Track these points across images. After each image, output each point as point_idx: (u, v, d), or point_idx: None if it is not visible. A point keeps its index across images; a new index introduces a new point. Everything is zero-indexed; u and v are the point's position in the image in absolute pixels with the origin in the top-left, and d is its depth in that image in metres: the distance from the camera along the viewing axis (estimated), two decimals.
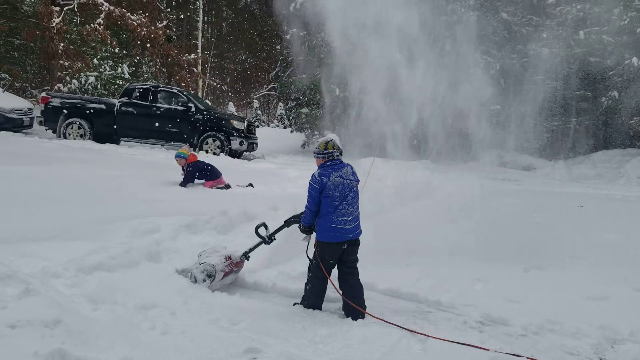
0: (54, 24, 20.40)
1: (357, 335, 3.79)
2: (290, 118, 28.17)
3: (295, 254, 5.10)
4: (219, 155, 15.02)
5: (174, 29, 32.55)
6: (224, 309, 4.12)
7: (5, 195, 6.85)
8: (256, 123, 20.77)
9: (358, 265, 4.52)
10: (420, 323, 4.11)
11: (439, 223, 8.53)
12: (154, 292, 4.06)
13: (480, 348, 3.62)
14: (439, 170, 16.78)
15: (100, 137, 15.54)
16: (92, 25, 21.24)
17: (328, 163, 4.32)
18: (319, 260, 4.27)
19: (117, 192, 8.07)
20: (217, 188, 9.29)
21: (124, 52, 26.35)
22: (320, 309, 4.31)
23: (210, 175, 9.34)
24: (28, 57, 27.69)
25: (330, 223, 4.20)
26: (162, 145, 16.18)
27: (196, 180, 9.26)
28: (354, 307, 4.19)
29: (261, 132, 19.80)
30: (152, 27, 23.73)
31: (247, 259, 4.86)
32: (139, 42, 25.69)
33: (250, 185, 9.83)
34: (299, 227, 4.47)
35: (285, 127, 32.52)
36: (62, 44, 21.20)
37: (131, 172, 9.95)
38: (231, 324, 3.84)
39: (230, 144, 15.45)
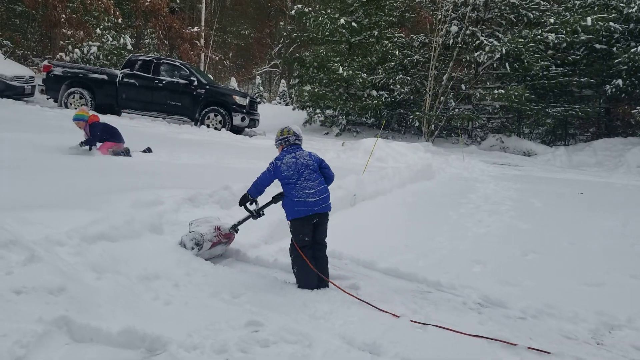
0: None
1: (358, 312, 3.82)
2: (293, 95, 28.09)
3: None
4: (220, 130, 14.99)
5: (178, 1, 32.21)
6: (225, 282, 4.15)
7: (7, 162, 6.85)
8: (258, 99, 20.67)
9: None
10: (420, 303, 4.14)
11: (437, 205, 8.58)
12: (156, 264, 4.08)
13: (474, 336, 3.62)
14: (440, 153, 16.81)
15: (102, 107, 15.49)
16: None
17: (285, 149, 4.50)
18: (294, 240, 4.33)
19: (118, 163, 8.07)
20: (113, 153, 8.65)
21: (127, 22, 26.11)
22: (315, 287, 4.28)
23: (112, 137, 8.77)
24: (30, 25, 27.43)
25: (293, 198, 4.27)
26: (163, 118, 16.14)
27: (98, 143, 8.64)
28: (319, 275, 4.29)
29: (263, 109, 19.73)
30: None
31: (236, 232, 4.88)
32: (142, 13, 25.43)
33: (149, 150, 9.37)
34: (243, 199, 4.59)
35: (287, 105, 32.42)
36: (64, 13, 20.99)
37: (132, 144, 9.93)
38: (233, 297, 3.87)
39: (232, 120, 15.40)
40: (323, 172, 4.50)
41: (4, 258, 3.26)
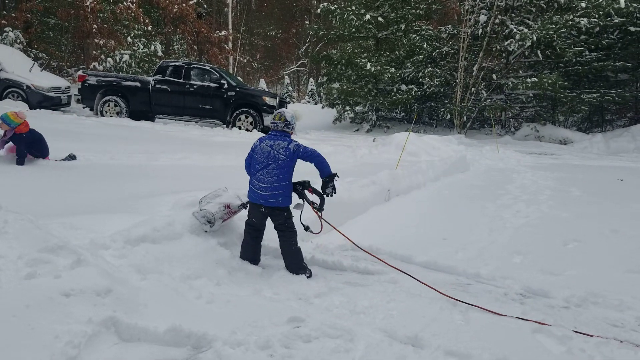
0: (87, 3, 20.72)
1: (399, 306, 3.82)
2: (322, 94, 28.12)
3: (330, 228, 5.12)
4: (251, 131, 15.12)
5: (205, 6, 32.58)
6: (266, 280, 4.22)
7: (50, 171, 7.06)
8: (287, 99, 20.77)
9: None
10: (460, 295, 4.12)
11: (473, 197, 8.48)
12: (197, 263, 4.16)
13: (523, 319, 3.61)
14: (474, 145, 16.61)
15: (136, 114, 15.79)
16: (124, 3, 21.44)
17: (272, 132, 4.56)
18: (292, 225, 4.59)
19: (155, 168, 8.23)
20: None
21: (157, 29, 26.53)
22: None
23: (40, 150, 7.71)
24: (63, 37, 28.12)
25: (250, 184, 4.54)
26: (196, 122, 16.37)
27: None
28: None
29: (292, 109, 19.80)
30: (183, 4, 23.85)
31: (246, 208, 4.85)
32: (170, 20, 25.81)
33: (72, 157, 8.17)
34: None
35: (316, 103, 32.48)
36: (95, 23, 21.47)
37: (167, 148, 10.12)
38: (273, 294, 3.93)
39: (262, 121, 15.50)
40: (308, 161, 4.49)
41: (52, 262, 3.37)
